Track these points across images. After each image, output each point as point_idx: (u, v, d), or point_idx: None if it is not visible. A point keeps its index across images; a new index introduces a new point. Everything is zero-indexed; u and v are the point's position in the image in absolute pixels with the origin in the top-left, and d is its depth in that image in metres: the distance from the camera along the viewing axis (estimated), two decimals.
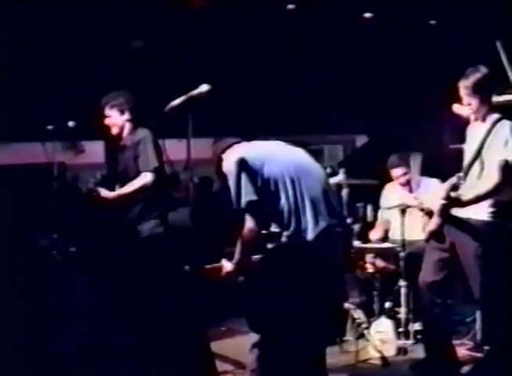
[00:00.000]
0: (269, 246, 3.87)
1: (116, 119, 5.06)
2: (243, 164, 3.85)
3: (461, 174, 4.58)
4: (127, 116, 5.05)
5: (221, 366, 4.77)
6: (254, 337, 4.00)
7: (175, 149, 4.89)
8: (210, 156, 4.21)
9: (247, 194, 3.80)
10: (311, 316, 3.82)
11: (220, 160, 4.10)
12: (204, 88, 3.93)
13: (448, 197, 4.52)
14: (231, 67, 7.51)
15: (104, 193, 4.91)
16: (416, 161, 6.10)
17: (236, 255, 3.97)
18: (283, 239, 3.80)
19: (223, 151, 4.12)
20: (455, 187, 4.55)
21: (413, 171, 6.02)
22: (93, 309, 4.85)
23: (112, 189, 4.97)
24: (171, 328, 4.48)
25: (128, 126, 5.07)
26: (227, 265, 4.02)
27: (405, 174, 5.96)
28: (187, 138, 3.89)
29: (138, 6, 6.50)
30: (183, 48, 7.32)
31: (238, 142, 4.15)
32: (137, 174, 4.87)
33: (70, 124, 5.26)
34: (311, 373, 3.90)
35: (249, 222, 3.82)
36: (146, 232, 4.88)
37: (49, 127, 5.26)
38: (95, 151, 5.37)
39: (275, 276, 3.86)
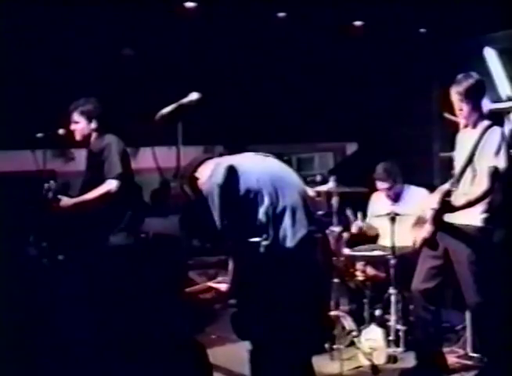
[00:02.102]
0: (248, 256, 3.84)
1: (83, 126, 5.12)
2: (232, 171, 3.83)
3: (454, 180, 4.60)
4: (94, 125, 5.10)
5: None
6: (245, 345, 3.98)
7: (165, 157, 4.88)
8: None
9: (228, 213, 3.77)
10: (295, 323, 3.80)
11: (195, 178, 4.05)
12: (194, 96, 3.93)
13: (441, 202, 4.54)
14: (221, 75, 7.51)
15: (65, 201, 4.96)
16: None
17: (230, 275, 3.90)
18: (261, 249, 3.77)
19: (195, 169, 4.07)
20: (448, 193, 4.56)
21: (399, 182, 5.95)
22: (83, 316, 4.83)
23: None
24: (163, 334, 4.46)
25: (94, 134, 5.15)
26: (221, 286, 3.99)
27: (391, 188, 5.93)
28: (177, 146, 3.88)
29: (128, 14, 6.50)
30: (173, 56, 7.32)
31: (210, 158, 4.13)
32: (103, 180, 4.91)
33: (60, 131, 5.25)
34: None
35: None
36: (119, 242, 4.89)
37: (39, 134, 5.25)
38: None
39: (256, 285, 3.82)
